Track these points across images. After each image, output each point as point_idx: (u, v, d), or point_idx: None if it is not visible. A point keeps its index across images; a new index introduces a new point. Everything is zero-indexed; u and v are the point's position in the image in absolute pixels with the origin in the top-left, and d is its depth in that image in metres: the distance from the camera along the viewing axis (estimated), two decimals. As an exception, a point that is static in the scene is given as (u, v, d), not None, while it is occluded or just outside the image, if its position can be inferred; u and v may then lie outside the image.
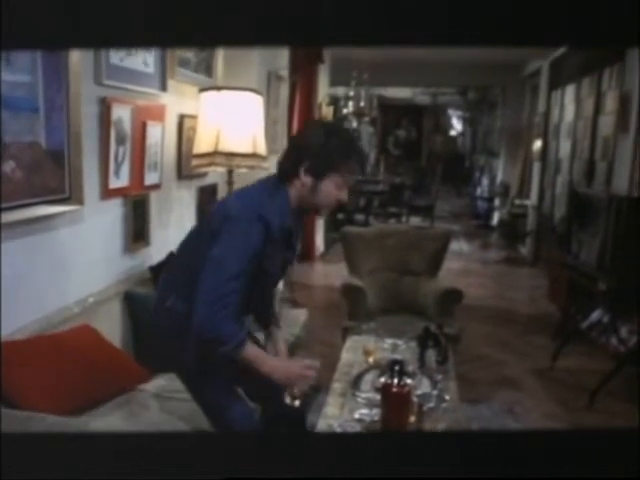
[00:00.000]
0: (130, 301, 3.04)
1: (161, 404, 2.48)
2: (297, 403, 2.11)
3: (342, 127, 2.15)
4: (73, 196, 2.59)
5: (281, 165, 2.15)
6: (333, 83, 8.92)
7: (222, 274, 1.92)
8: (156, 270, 3.33)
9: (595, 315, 4.67)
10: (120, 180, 3.00)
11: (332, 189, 2.08)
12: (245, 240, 1.95)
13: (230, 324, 1.95)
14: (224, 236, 1.94)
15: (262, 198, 2.05)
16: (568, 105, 7.08)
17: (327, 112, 8.21)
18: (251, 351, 2.00)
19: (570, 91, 6.99)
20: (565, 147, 7.06)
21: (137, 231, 3.22)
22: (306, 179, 2.06)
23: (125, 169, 3.04)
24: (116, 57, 2.86)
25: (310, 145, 2.07)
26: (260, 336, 2.43)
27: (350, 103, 9.94)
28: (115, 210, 3.06)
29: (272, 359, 2.14)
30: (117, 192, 3.01)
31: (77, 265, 2.74)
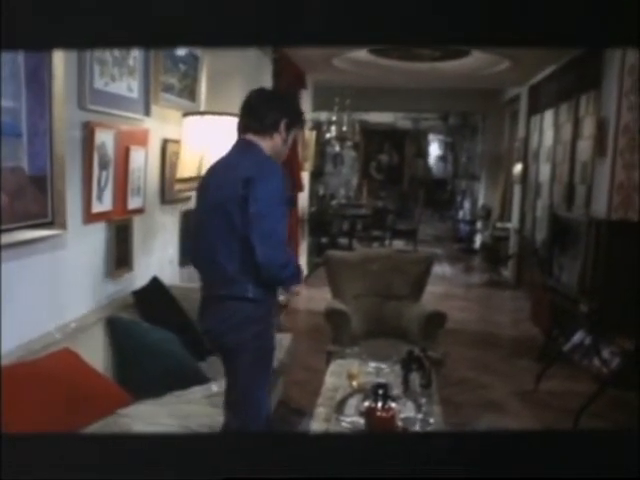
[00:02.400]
0: (113, 326, 3.01)
1: (144, 429, 2.45)
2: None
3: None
4: (56, 221, 2.58)
5: (263, 118, 2.33)
6: (316, 108, 8.98)
7: (275, 221, 2.17)
8: (139, 295, 3.31)
9: (577, 337, 4.70)
10: (103, 204, 3.00)
11: (291, 142, 2.44)
12: (280, 191, 2.21)
13: (291, 256, 2.35)
14: (261, 195, 2.13)
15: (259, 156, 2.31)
16: (547, 130, 7.19)
17: (310, 137, 8.26)
18: None
19: (549, 116, 7.12)
20: (545, 171, 7.16)
21: (120, 256, 3.20)
22: (284, 133, 2.35)
23: (108, 194, 3.04)
24: (100, 82, 2.88)
25: (289, 103, 2.52)
26: None
27: (333, 128, 10.02)
28: (98, 235, 3.04)
29: None
30: (100, 217, 3.00)
31: (59, 290, 2.72)
